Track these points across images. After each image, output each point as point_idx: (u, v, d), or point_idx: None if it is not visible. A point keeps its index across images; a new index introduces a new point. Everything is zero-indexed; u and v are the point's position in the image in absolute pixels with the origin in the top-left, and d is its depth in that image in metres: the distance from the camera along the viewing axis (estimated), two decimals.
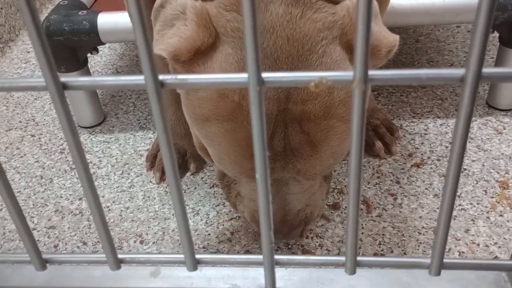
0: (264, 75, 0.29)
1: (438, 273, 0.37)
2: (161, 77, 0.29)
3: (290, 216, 0.65)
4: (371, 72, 0.28)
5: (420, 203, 0.84)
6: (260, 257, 0.37)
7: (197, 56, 0.52)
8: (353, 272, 0.38)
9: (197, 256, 0.37)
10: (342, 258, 0.37)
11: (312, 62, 0.51)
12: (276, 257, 0.37)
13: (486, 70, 0.27)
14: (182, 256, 0.37)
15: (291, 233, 0.67)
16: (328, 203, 0.85)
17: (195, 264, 0.38)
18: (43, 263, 0.39)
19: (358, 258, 0.37)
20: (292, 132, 0.55)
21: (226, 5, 0.52)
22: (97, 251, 0.83)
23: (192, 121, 0.58)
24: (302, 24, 0.51)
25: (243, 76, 0.29)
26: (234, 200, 0.72)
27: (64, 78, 0.30)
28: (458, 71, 0.28)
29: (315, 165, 0.58)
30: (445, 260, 0.37)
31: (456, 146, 0.30)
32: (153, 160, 0.97)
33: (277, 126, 0.55)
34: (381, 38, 0.53)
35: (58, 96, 0.30)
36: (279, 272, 0.44)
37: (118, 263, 0.38)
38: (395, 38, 0.54)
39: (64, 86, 0.30)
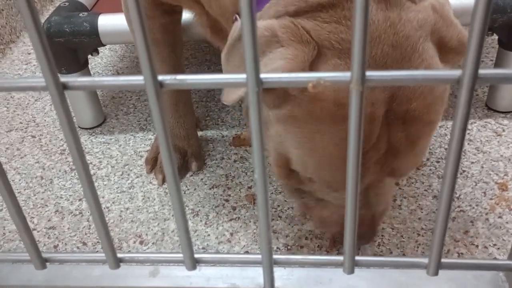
0: (263, 75, 0.29)
1: (436, 273, 0.38)
2: (160, 77, 0.29)
3: (377, 219, 0.65)
4: (369, 73, 0.28)
5: (419, 204, 0.84)
6: (258, 256, 0.37)
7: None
8: (351, 271, 0.38)
9: (196, 255, 0.37)
10: (341, 258, 0.37)
11: (415, 60, 0.53)
12: (275, 256, 0.37)
13: (482, 71, 0.28)
14: (181, 255, 0.37)
15: (374, 236, 0.67)
16: None
17: (194, 264, 0.38)
18: (43, 262, 0.39)
19: (356, 258, 0.37)
20: (394, 132, 0.55)
21: (324, 18, 0.52)
22: (97, 251, 0.83)
23: (294, 136, 0.57)
24: (402, 26, 0.52)
25: (241, 76, 0.30)
26: (311, 208, 0.70)
27: (64, 78, 0.30)
28: (455, 73, 0.28)
29: (409, 162, 0.59)
30: (443, 260, 0.37)
31: (454, 146, 0.30)
32: (153, 163, 0.97)
33: (382, 128, 0.55)
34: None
35: (58, 96, 0.30)
36: (278, 271, 0.44)
37: (117, 262, 0.39)
38: None
39: (64, 86, 0.30)
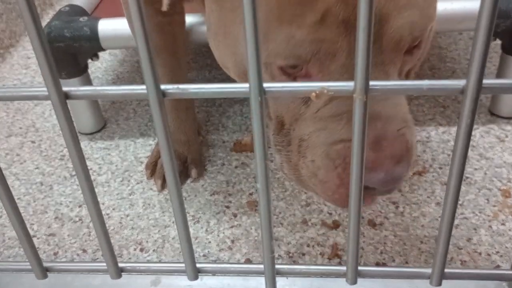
0: (266, 85, 0.29)
1: (439, 283, 0.37)
2: (163, 87, 0.29)
3: (389, 139, 0.43)
4: (372, 83, 0.28)
5: (422, 211, 0.84)
6: (261, 266, 0.37)
7: None
8: (354, 282, 0.38)
9: (198, 265, 0.37)
10: (343, 268, 0.37)
11: None
12: (277, 266, 0.36)
13: (486, 81, 0.27)
14: (182, 265, 0.37)
15: (395, 170, 0.43)
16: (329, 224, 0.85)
17: (196, 273, 0.38)
18: (44, 272, 0.39)
19: (359, 268, 0.37)
20: None
21: None
22: (97, 258, 0.82)
23: (233, 12, 0.49)
24: None
25: (244, 86, 0.29)
26: (296, 158, 0.53)
27: (66, 88, 0.30)
28: (459, 82, 0.28)
29: (411, 8, 0.43)
30: (446, 270, 0.37)
31: (457, 158, 0.30)
32: (153, 168, 0.97)
33: None
34: None
35: (60, 106, 0.30)
36: (280, 281, 0.44)
37: (118, 272, 0.38)
38: None
39: (67, 96, 0.30)
